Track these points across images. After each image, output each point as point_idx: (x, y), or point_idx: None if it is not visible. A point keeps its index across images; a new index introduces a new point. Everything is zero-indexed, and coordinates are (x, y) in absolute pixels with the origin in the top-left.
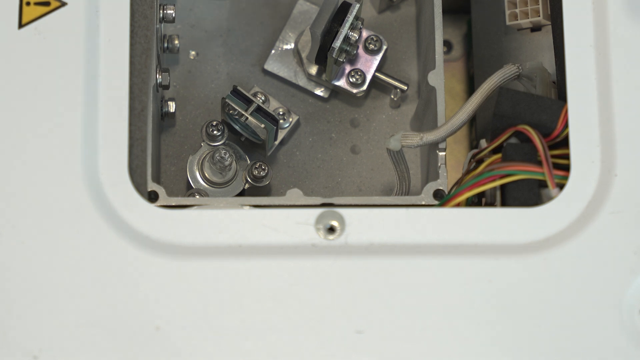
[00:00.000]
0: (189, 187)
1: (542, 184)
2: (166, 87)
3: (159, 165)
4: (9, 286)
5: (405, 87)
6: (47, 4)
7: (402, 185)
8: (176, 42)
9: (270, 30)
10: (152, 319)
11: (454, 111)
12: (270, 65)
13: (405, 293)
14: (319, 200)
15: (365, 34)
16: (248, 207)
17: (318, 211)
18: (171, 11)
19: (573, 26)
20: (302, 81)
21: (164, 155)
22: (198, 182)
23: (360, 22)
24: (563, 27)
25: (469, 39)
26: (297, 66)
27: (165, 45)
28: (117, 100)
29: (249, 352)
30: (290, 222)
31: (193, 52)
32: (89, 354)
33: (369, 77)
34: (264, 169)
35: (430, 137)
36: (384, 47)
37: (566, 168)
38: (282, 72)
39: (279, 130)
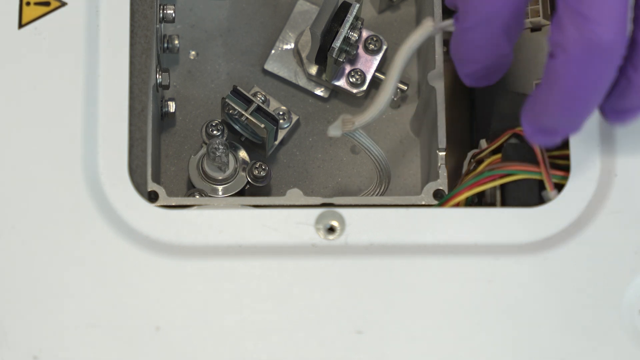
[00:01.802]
0: (189, 187)
1: (542, 184)
2: (166, 87)
3: (159, 165)
4: (9, 286)
5: (405, 87)
6: (47, 4)
7: (380, 167)
8: (176, 42)
9: (270, 30)
10: (152, 319)
11: (454, 111)
12: (270, 65)
13: (405, 293)
14: (319, 200)
15: (365, 34)
16: (248, 207)
17: (318, 211)
18: (171, 11)
19: None
20: (302, 81)
21: (164, 155)
22: (199, 181)
23: (360, 22)
24: None
25: None
26: (297, 66)
27: (165, 45)
28: (117, 100)
29: (249, 352)
30: (290, 222)
31: (193, 52)
32: (89, 354)
33: (369, 77)
34: (264, 169)
35: (361, 119)
36: (384, 47)
37: (567, 168)
38: (282, 72)
39: (279, 130)
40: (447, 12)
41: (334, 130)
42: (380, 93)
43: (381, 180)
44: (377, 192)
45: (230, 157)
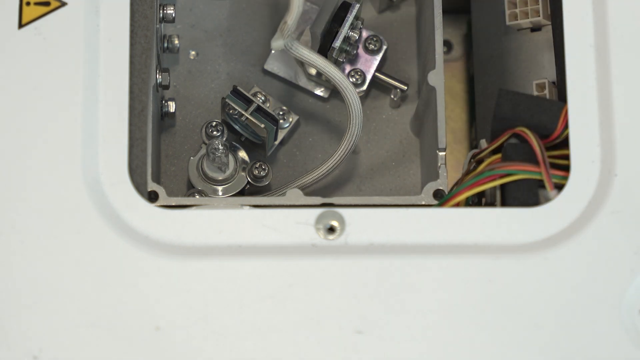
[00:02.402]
0: (189, 187)
1: (542, 184)
2: (166, 87)
3: (159, 165)
4: (9, 286)
5: (405, 87)
6: (47, 4)
7: (342, 88)
8: (176, 42)
9: (270, 30)
10: (152, 319)
11: (454, 111)
12: (270, 65)
13: (405, 293)
14: (319, 200)
15: (365, 34)
16: (248, 207)
17: (318, 211)
18: (171, 11)
19: (573, 26)
20: (302, 81)
21: (164, 155)
22: (199, 182)
23: (360, 22)
24: (563, 27)
25: (469, 39)
26: (297, 66)
27: (165, 45)
28: (117, 100)
29: (249, 352)
30: (290, 222)
31: (193, 52)
32: (89, 354)
33: (369, 77)
34: (264, 169)
35: (291, 15)
36: (384, 47)
37: (566, 169)
38: (282, 72)
39: (279, 130)
40: (447, 12)
41: (275, 42)
42: None
43: (352, 106)
44: (355, 129)
45: (230, 157)
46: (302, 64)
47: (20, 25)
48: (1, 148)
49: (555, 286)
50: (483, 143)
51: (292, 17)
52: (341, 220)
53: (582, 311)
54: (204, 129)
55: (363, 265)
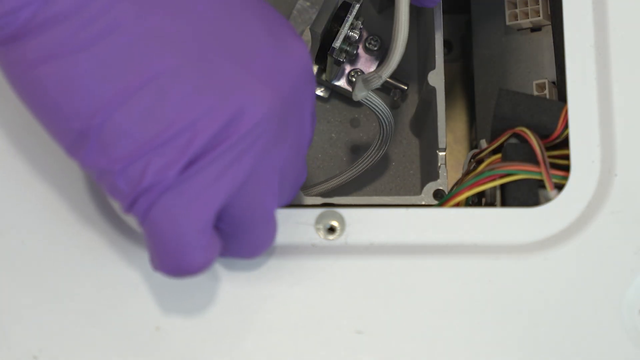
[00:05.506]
0: None
1: (542, 184)
2: None
3: None
4: (9, 286)
5: (405, 87)
6: None
7: (387, 127)
8: None
9: None
10: (152, 319)
11: (454, 111)
12: None
13: (405, 293)
14: (319, 200)
15: (365, 34)
16: None
17: (318, 211)
18: None
19: (573, 26)
20: None
21: None
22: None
23: (360, 22)
24: (563, 27)
25: (469, 39)
26: None
27: None
28: None
29: (249, 352)
30: (290, 222)
31: None
32: (89, 354)
33: None
34: None
35: (386, 71)
36: (384, 47)
37: (566, 169)
38: None
39: None
40: (447, 12)
41: (360, 92)
42: (396, 40)
43: (385, 139)
44: (378, 152)
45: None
46: None
47: None
48: (1, 148)
49: (555, 286)
50: (483, 143)
51: (388, 73)
52: (341, 220)
53: (582, 311)
54: None
55: (363, 265)
